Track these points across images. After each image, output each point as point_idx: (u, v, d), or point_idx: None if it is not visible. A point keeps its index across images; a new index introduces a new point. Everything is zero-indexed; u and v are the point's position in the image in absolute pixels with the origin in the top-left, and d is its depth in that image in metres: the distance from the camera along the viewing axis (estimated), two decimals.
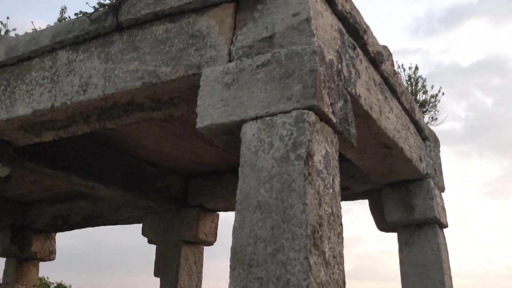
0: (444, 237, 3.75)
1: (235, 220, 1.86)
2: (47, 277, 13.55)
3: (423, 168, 3.51)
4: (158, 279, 4.65)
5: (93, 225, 5.48)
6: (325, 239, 1.78)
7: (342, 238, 1.95)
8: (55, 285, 14.89)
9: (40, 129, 2.98)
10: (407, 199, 3.64)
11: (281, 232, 1.72)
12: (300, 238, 1.67)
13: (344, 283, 1.86)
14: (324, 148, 1.93)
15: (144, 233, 4.84)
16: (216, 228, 4.84)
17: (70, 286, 17.00)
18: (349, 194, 4.06)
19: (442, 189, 3.89)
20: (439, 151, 4.09)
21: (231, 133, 2.10)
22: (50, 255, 5.95)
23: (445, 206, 3.87)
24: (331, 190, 1.94)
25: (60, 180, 4.18)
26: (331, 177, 1.96)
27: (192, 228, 4.61)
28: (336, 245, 1.87)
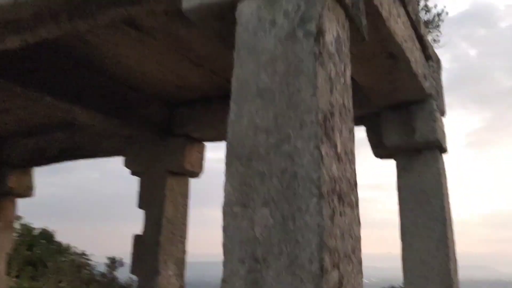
0: (443, 163, 3.57)
1: (231, 112, 1.58)
2: (31, 224, 13.38)
3: (427, 87, 3.27)
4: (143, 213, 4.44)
5: (72, 158, 5.18)
6: (337, 131, 1.53)
7: (354, 136, 1.70)
8: (39, 230, 14.75)
9: (3, 33, 2.62)
10: (408, 122, 3.42)
11: (286, 120, 1.45)
12: (310, 125, 1.41)
13: (356, 184, 1.63)
14: (335, 30, 1.63)
15: (127, 164, 4.57)
16: (203, 159, 4.58)
17: (54, 232, 16.91)
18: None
19: (443, 112, 3.67)
20: (441, 74, 3.83)
21: (223, 17, 1.79)
22: (28, 191, 5.67)
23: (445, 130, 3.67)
24: (343, 80, 1.67)
25: (33, 103, 3.85)
26: (343, 65, 1.68)
27: (178, 158, 4.34)
28: (348, 141, 1.62)
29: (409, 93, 3.26)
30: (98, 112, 3.96)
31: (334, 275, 1.28)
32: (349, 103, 1.70)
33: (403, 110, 3.44)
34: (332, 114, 1.51)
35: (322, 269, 1.22)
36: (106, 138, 4.76)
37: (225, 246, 1.41)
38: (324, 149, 1.40)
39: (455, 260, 3.32)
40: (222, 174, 1.51)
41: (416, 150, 3.45)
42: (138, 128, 4.31)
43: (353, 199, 1.59)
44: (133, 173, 4.59)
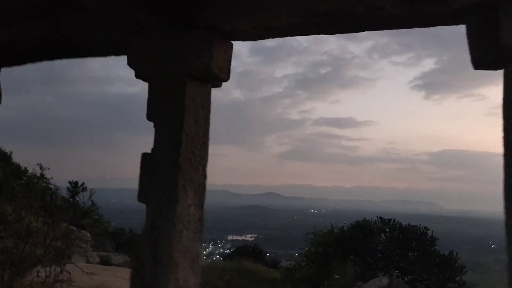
0: None
1: None
2: None
3: None
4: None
5: (54, 56, 4.05)
6: None
7: None
8: None
9: None
10: None
11: None
12: None
13: None
14: None
15: (131, 62, 3.51)
16: (230, 63, 3.57)
17: (11, 152, 15.59)
18: (438, 13, 2.88)
19: None
20: None
21: None
22: None
23: None
24: None
25: None
26: None
27: (202, 58, 3.32)
28: None
29: None
30: None
31: None
32: None
33: None
34: None
35: None
36: (102, 28, 3.62)
37: None
38: None
39: None
40: None
41: None
42: (147, 11, 3.20)
43: None
44: (140, 75, 3.55)
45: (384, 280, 13.22)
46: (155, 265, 3.23)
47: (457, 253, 14.47)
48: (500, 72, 2.73)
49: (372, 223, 15.79)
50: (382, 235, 15.42)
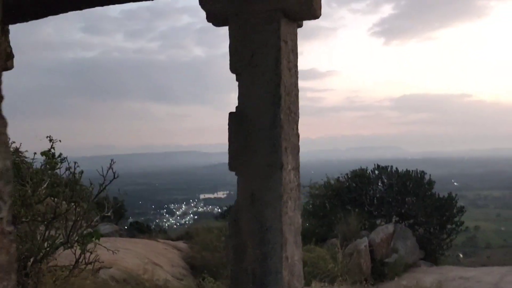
0: None
1: None
2: None
3: None
4: None
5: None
6: None
7: None
8: None
9: None
10: None
11: None
12: None
13: None
14: None
15: (205, 2, 2.84)
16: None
17: None
18: None
19: None
20: None
21: None
22: None
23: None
24: None
25: None
26: None
27: None
28: None
29: None
30: None
31: None
32: None
33: None
34: None
35: None
36: None
37: None
38: None
39: None
40: None
41: None
42: None
43: None
44: (214, 18, 2.89)
45: (390, 227, 13.23)
46: (261, 243, 2.72)
47: (456, 194, 14.60)
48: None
49: (368, 172, 15.68)
50: (379, 183, 15.37)
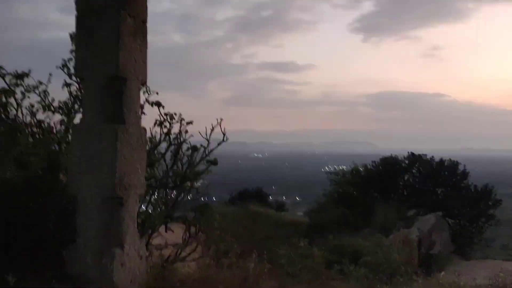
0: None
1: None
2: None
3: None
4: None
5: None
6: None
7: None
8: None
9: None
10: None
11: None
12: None
13: None
14: None
15: None
16: None
17: None
18: None
19: None
20: None
21: None
22: None
23: None
24: None
25: None
26: None
27: None
28: None
29: None
30: None
31: None
32: None
33: None
34: None
35: None
36: None
37: None
38: None
39: None
40: None
41: None
42: None
43: None
44: None
45: (433, 218, 12.58)
46: None
47: (492, 186, 14.07)
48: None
49: (400, 160, 15.00)
50: (414, 171, 14.70)
